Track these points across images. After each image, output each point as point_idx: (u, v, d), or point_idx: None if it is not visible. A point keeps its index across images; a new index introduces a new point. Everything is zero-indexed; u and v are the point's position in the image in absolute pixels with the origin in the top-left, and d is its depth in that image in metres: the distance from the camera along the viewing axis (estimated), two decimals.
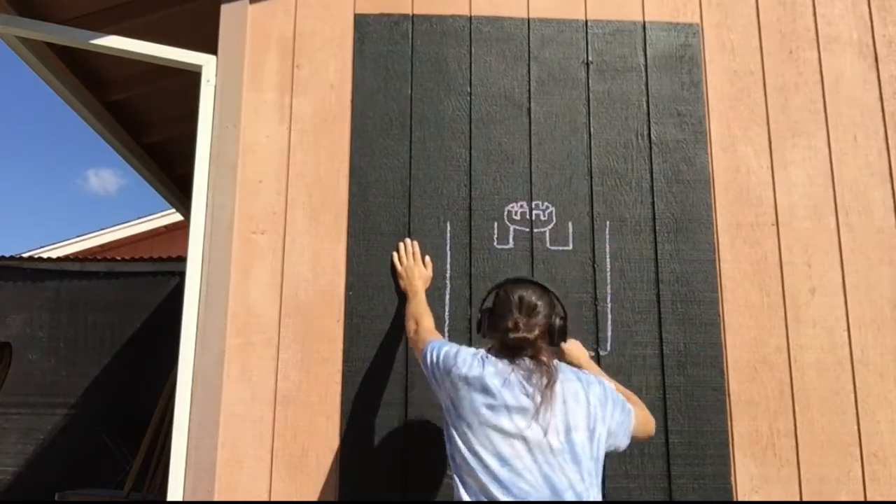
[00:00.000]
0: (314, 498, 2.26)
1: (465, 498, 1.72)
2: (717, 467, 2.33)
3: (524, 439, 1.71)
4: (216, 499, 2.23)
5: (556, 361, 1.83)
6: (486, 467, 1.70)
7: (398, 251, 2.42)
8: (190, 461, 2.26)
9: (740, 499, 2.32)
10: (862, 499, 2.34)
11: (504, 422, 1.73)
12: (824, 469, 2.35)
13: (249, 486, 2.26)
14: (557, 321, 1.95)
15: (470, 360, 1.84)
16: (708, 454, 2.34)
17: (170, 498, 2.25)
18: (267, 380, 2.32)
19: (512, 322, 1.85)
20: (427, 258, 2.41)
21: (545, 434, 1.72)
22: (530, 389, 1.76)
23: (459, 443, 1.76)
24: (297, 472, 2.28)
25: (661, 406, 2.36)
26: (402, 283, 2.37)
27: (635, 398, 2.01)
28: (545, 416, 1.73)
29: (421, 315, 2.20)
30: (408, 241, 2.42)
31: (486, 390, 1.77)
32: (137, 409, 5.61)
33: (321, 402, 2.32)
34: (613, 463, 2.31)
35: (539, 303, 1.90)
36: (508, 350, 1.83)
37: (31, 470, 5.91)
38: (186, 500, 2.24)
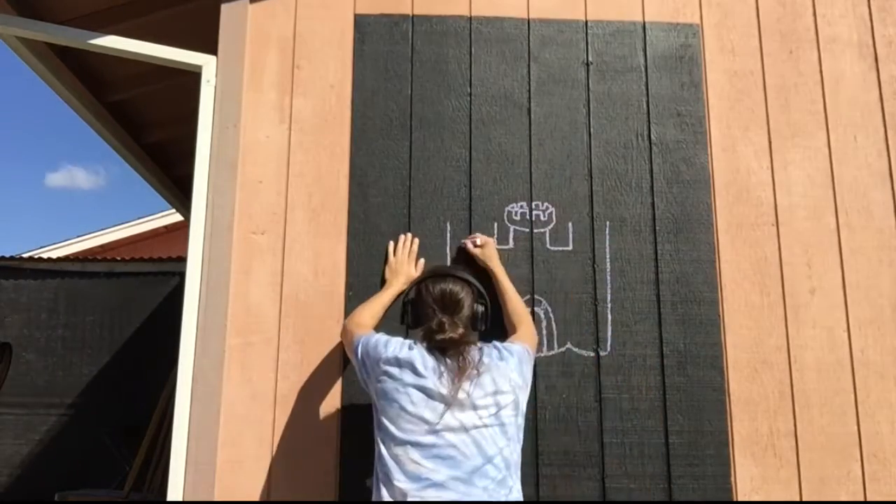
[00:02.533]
0: (314, 498, 2.26)
1: (399, 481, 1.79)
2: (716, 467, 2.33)
3: (454, 415, 1.82)
4: (216, 499, 2.23)
5: (476, 346, 1.95)
6: (416, 442, 1.80)
7: (395, 243, 2.42)
8: (190, 461, 2.26)
9: (740, 499, 2.32)
10: (862, 499, 2.34)
11: (435, 402, 1.83)
12: (824, 469, 2.35)
13: (249, 486, 2.26)
14: (480, 308, 2.06)
15: (401, 345, 1.94)
16: (708, 454, 2.34)
17: (170, 498, 2.25)
18: (267, 380, 2.32)
19: (437, 323, 1.94)
20: (421, 261, 2.41)
21: (473, 405, 1.83)
22: (453, 377, 1.86)
23: (389, 426, 1.84)
24: (297, 472, 2.28)
25: (661, 406, 2.36)
26: (387, 272, 2.38)
27: (522, 311, 2.22)
28: (470, 391, 1.84)
29: (365, 309, 2.21)
30: (408, 236, 2.42)
31: (415, 372, 1.87)
32: (137, 409, 5.61)
33: (321, 403, 2.32)
34: (613, 463, 2.31)
35: (461, 295, 2.01)
36: (436, 349, 1.91)
37: (31, 470, 5.91)
38: (186, 500, 2.24)
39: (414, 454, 1.80)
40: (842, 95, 2.63)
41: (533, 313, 2.39)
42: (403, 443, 1.82)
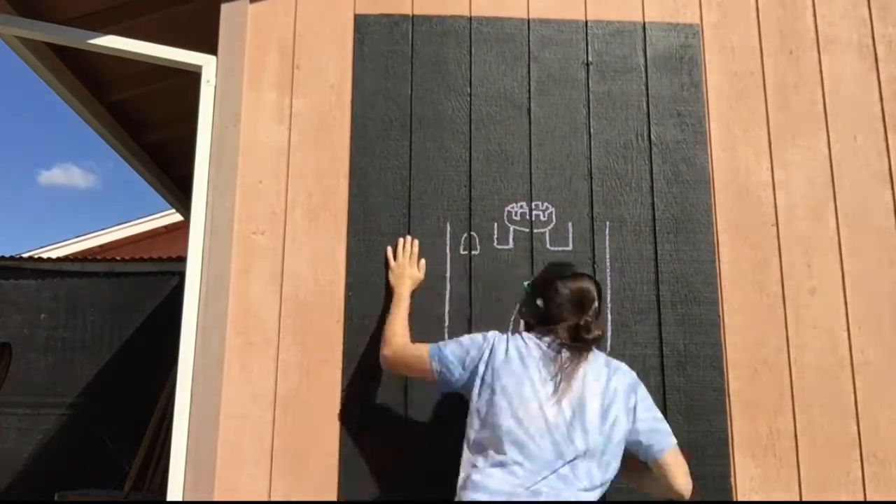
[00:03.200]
0: (314, 498, 2.26)
1: (479, 462, 1.82)
2: (716, 468, 2.33)
3: (540, 405, 1.82)
4: (216, 499, 2.23)
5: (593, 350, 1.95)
6: (499, 427, 1.81)
7: (395, 247, 2.41)
8: (190, 461, 2.26)
9: (740, 499, 2.32)
10: (862, 499, 2.34)
11: (526, 389, 1.84)
12: (824, 470, 2.35)
13: (249, 486, 2.26)
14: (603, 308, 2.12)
15: (507, 341, 1.95)
16: (708, 454, 2.34)
17: (170, 498, 2.25)
18: (267, 380, 2.32)
19: (584, 321, 1.92)
20: (422, 261, 2.41)
21: (559, 402, 1.83)
22: (554, 367, 1.87)
23: (483, 409, 1.86)
24: (297, 472, 2.28)
25: (661, 406, 2.35)
26: (391, 278, 2.37)
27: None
28: (563, 389, 1.84)
29: (397, 323, 2.20)
30: (408, 238, 2.42)
31: (521, 360, 1.89)
32: (137, 409, 5.61)
33: (321, 403, 2.32)
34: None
35: (594, 296, 2.00)
36: (578, 345, 1.91)
37: (31, 469, 5.91)
38: (186, 500, 2.24)
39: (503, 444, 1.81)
40: (842, 95, 2.63)
41: None
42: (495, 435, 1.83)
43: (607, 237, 2.48)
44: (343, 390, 2.33)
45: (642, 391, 1.97)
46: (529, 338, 1.95)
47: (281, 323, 2.36)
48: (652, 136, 2.56)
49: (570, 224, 2.49)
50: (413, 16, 2.61)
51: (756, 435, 2.36)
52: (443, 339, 2.35)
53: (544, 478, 1.77)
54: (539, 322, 2.00)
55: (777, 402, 2.39)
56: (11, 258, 6.62)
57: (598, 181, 2.52)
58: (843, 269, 2.49)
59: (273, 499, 2.25)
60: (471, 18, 2.62)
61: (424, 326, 2.36)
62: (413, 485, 2.28)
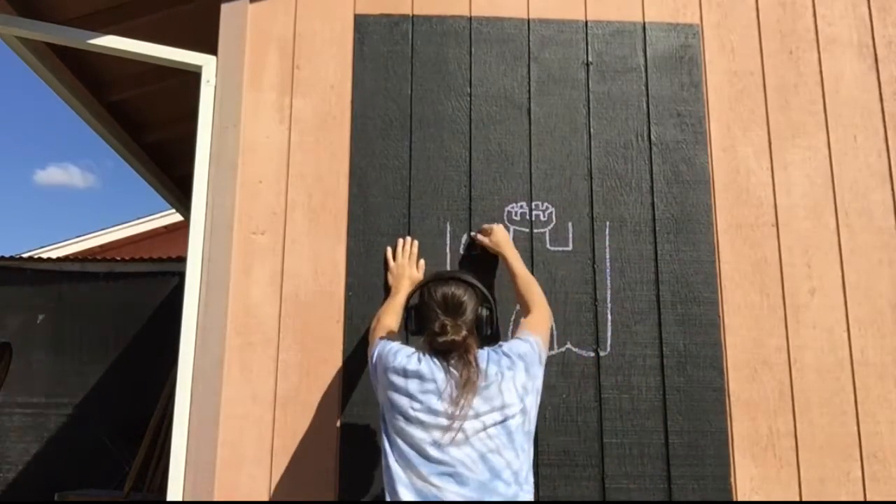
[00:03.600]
0: (314, 498, 2.26)
1: (404, 497, 1.76)
2: (716, 468, 2.33)
3: (461, 428, 1.77)
4: (216, 499, 2.23)
5: (479, 351, 1.88)
6: (424, 456, 1.76)
7: (394, 247, 2.41)
8: (190, 461, 2.26)
9: (740, 499, 2.32)
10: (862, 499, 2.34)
11: (439, 414, 1.79)
12: (824, 470, 2.35)
13: (249, 486, 2.26)
14: (485, 312, 2.00)
15: (408, 356, 1.88)
16: (708, 455, 2.34)
17: (170, 498, 2.25)
18: (267, 380, 2.32)
19: (439, 325, 1.88)
20: (422, 262, 2.40)
21: (478, 417, 1.78)
22: (458, 382, 1.81)
23: (396, 438, 1.81)
24: (297, 473, 2.27)
25: (661, 407, 2.36)
26: (390, 279, 2.37)
27: (534, 292, 2.15)
28: (475, 405, 1.79)
29: (385, 314, 2.17)
30: (408, 239, 2.42)
31: (421, 383, 1.82)
32: (137, 409, 5.61)
33: (321, 403, 2.32)
34: (613, 463, 2.31)
35: (464, 299, 1.96)
36: (438, 352, 1.86)
37: (31, 470, 5.91)
38: (186, 500, 2.24)
39: (422, 469, 1.76)
40: (842, 96, 2.63)
41: None
42: (409, 456, 1.78)
43: (607, 237, 2.48)
44: (343, 390, 2.33)
45: (520, 358, 1.90)
46: (416, 352, 1.91)
47: (281, 323, 2.36)
48: (652, 136, 2.56)
49: (570, 224, 2.49)
50: (413, 16, 2.61)
51: (756, 435, 2.36)
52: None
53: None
54: (413, 333, 2.05)
55: (777, 402, 2.39)
56: (11, 258, 6.61)
57: (598, 181, 2.52)
58: (843, 269, 2.49)
59: (273, 499, 2.25)
60: (471, 18, 2.62)
61: None
62: None
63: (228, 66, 2.52)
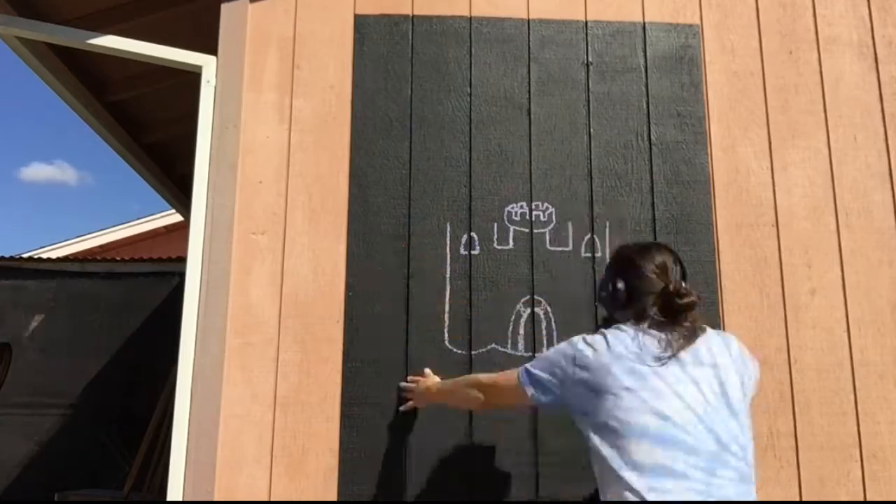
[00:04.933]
0: (314, 498, 2.26)
1: (635, 483, 1.59)
2: None
3: (678, 395, 1.64)
4: (216, 499, 2.23)
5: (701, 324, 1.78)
6: (645, 431, 1.62)
7: (406, 391, 2.32)
8: (190, 461, 2.26)
9: None
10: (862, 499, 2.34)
11: (656, 381, 1.66)
12: (824, 470, 2.35)
13: (249, 487, 2.26)
14: (683, 281, 1.84)
15: (596, 340, 1.75)
16: None
17: (170, 498, 2.25)
18: (267, 380, 2.32)
19: (674, 286, 1.76)
20: (427, 370, 2.32)
21: (699, 387, 1.67)
22: (675, 348, 1.69)
23: (611, 422, 1.65)
24: (297, 473, 2.28)
25: None
26: (417, 402, 2.28)
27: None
28: (696, 372, 1.68)
29: (465, 381, 2.09)
30: (406, 383, 2.33)
31: (637, 356, 1.69)
32: (137, 409, 5.61)
33: (321, 403, 2.32)
34: None
35: (675, 266, 1.84)
36: (670, 316, 1.74)
37: (31, 470, 5.91)
38: (186, 500, 2.24)
39: (644, 444, 1.61)
40: (841, 96, 2.63)
41: (533, 314, 2.39)
42: (630, 435, 1.62)
43: (607, 237, 2.48)
44: (343, 390, 2.33)
45: (751, 362, 1.83)
46: (624, 329, 1.76)
47: (281, 323, 2.36)
48: (652, 137, 2.56)
49: (570, 224, 2.49)
50: (413, 16, 2.61)
51: (756, 435, 2.35)
52: (441, 337, 2.36)
53: (719, 476, 1.60)
54: (623, 307, 1.83)
55: (777, 402, 2.39)
56: (11, 258, 6.61)
57: (598, 181, 2.52)
58: (843, 269, 2.49)
59: (273, 499, 2.25)
60: (471, 19, 2.62)
61: (425, 326, 2.37)
62: (414, 485, 2.28)
63: (228, 67, 2.53)
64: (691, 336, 1.73)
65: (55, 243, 9.46)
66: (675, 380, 1.67)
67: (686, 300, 1.74)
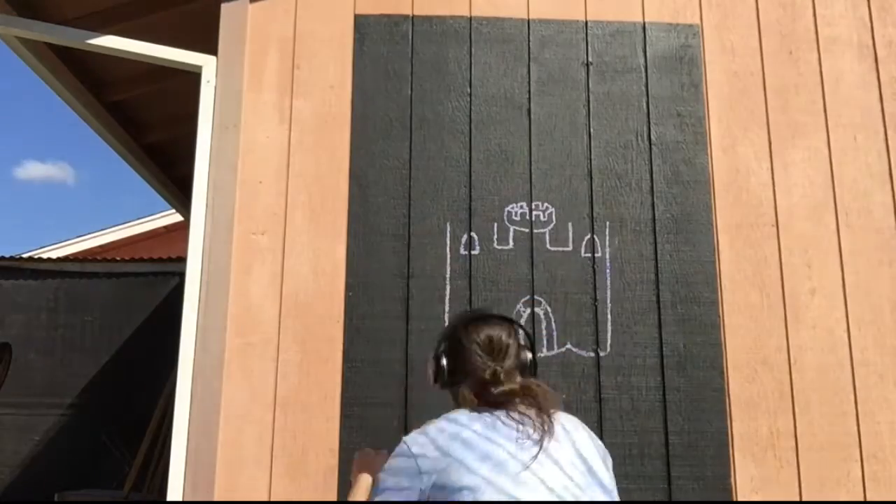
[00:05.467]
0: (314, 498, 2.26)
1: None
2: (716, 468, 2.33)
3: (541, 479, 1.40)
4: (216, 499, 2.23)
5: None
6: None
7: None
8: (190, 461, 2.26)
9: (740, 499, 2.32)
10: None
11: (511, 464, 1.41)
12: (824, 470, 2.35)
13: (249, 487, 2.26)
14: (527, 356, 1.62)
15: (444, 432, 1.47)
16: (708, 455, 2.34)
17: (170, 498, 2.25)
18: (267, 380, 2.32)
19: (490, 373, 1.53)
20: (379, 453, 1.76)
21: (562, 469, 1.43)
22: (528, 431, 1.45)
23: None
24: (297, 473, 2.28)
25: (661, 407, 2.36)
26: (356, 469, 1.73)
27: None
28: (557, 452, 1.45)
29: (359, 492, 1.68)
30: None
31: (486, 443, 1.44)
32: (137, 409, 5.61)
33: (321, 403, 2.32)
34: (613, 463, 2.31)
35: (509, 341, 1.59)
36: (490, 406, 1.50)
37: (31, 470, 5.91)
38: (186, 500, 2.24)
39: None
40: (841, 96, 2.63)
41: (533, 314, 2.40)
42: None
43: (607, 237, 2.48)
44: (343, 390, 2.33)
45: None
46: (466, 413, 1.50)
47: (281, 323, 2.36)
48: (652, 137, 2.56)
49: (570, 224, 2.49)
50: (413, 16, 2.61)
51: (756, 435, 2.36)
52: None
53: None
54: (448, 385, 1.60)
55: (777, 402, 2.39)
56: (11, 258, 6.61)
57: (598, 181, 2.52)
58: (843, 269, 2.49)
59: (273, 499, 2.25)
60: (471, 19, 2.62)
61: (424, 326, 2.37)
62: None
63: (228, 67, 2.53)
64: (538, 417, 1.47)
65: (55, 243, 9.46)
66: (537, 464, 1.41)
67: (500, 389, 1.50)
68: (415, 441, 1.49)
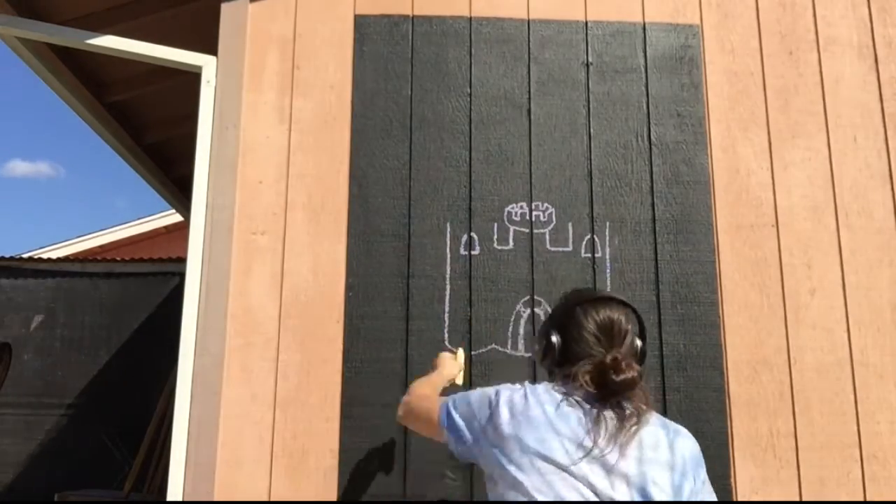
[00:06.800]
0: (314, 498, 2.26)
1: None
2: (716, 468, 2.33)
3: (590, 484, 1.38)
4: (216, 499, 2.23)
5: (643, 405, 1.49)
6: None
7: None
8: (190, 461, 2.26)
9: (740, 499, 2.32)
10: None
11: (567, 462, 1.40)
12: (824, 470, 2.35)
13: (249, 487, 2.26)
14: (639, 344, 1.57)
15: (522, 396, 1.49)
16: (707, 455, 2.31)
17: (169, 498, 2.25)
18: (267, 380, 2.32)
19: (611, 359, 1.46)
20: (461, 352, 2.15)
21: (611, 481, 1.39)
22: (603, 431, 1.42)
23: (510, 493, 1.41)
24: (297, 473, 2.28)
25: (661, 407, 2.36)
26: (445, 365, 1.99)
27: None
28: (615, 461, 1.40)
29: (428, 382, 1.87)
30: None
31: (550, 427, 1.43)
32: (137, 409, 5.61)
33: (321, 403, 2.32)
34: None
35: (627, 326, 1.55)
36: (603, 393, 1.46)
37: (31, 470, 5.91)
38: (186, 500, 2.24)
39: None
40: (841, 96, 2.63)
41: (533, 314, 2.40)
42: None
43: (607, 237, 2.48)
44: (343, 390, 2.33)
45: (703, 469, 1.57)
46: (549, 390, 1.50)
47: (281, 323, 2.36)
48: (652, 137, 2.56)
49: (570, 224, 2.49)
50: (413, 16, 2.61)
51: (756, 435, 2.36)
52: (441, 337, 2.36)
53: None
54: (558, 364, 1.57)
55: (777, 402, 2.39)
56: (11, 258, 6.61)
57: (598, 181, 2.52)
58: (843, 269, 2.49)
59: (273, 499, 2.25)
60: (471, 19, 2.62)
61: (424, 326, 2.37)
62: (413, 485, 2.28)
63: (228, 67, 2.53)
64: (622, 426, 1.44)
65: (55, 243, 9.47)
66: (591, 472, 1.39)
67: (622, 377, 1.44)
68: (507, 392, 1.52)
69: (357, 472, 2.28)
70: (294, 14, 2.59)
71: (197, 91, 2.54)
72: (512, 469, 1.42)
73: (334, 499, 2.26)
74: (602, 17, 2.64)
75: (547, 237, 2.47)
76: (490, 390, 1.55)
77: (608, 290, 2.42)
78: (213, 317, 2.35)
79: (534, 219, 2.48)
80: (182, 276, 2.49)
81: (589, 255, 2.46)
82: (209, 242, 2.40)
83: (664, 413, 2.35)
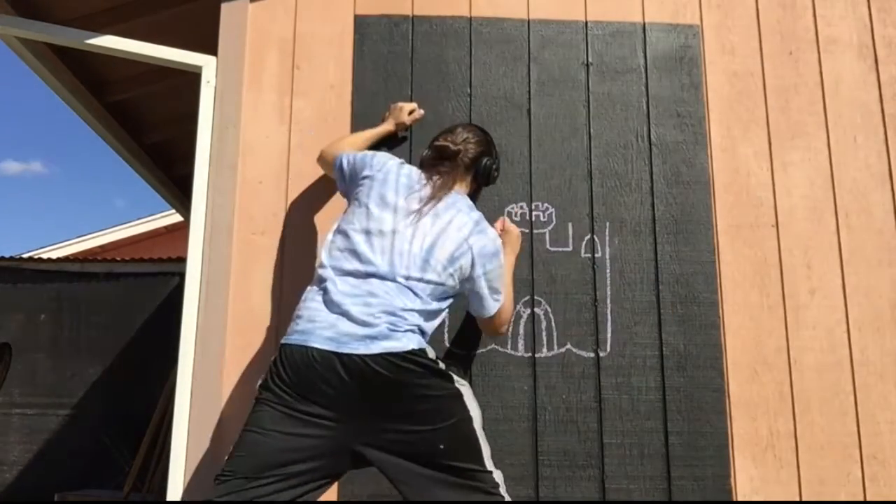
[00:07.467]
0: None
1: (322, 272, 1.90)
2: (716, 469, 2.33)
3: (393, 230, 1.91)
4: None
5: (461, 195, 2.07)
6: (348, 237, 1.93)
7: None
8: (190, 461, 2.26)
9: (740, 499, 2.32)
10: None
11: (386, 212, 1.95)
12: (824, 471, 2.35)
13: None
14: (486, 161, 2.17)
15: (390, 157, 2.11)
16: (707, 455, 2.34)
17: (169, 498, 2.25)
18: None
19: (443, 137, 2.14)
20: (416, 108, 2.46)
21: (412, 233, 1.91)
22: (422, 193, 1.98)
23: (339, 223, 1.99)
24: None
25: (661, 407, 2.36)
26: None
27: (509, 291, 2.13)
28: (422, 221, 1.93)
29: (350, 137, 2.35)
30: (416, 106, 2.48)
31: (388, 179, 2.01)
32: (137, 410, 5.61)
33: None
34: (613, 463, 2.31)
35: (469, 135, 2.16)
36: (431, 157, 2.11)
37: (31, 470, 5.91)
38: (186, 500, 2.24)
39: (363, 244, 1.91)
40: (841, 96, 2.63)
41: (533, 314, 2.40)
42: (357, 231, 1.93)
43: (607, 237, 2.48)
44: None
45: (496, 262, 2.01)
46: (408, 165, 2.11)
47: (281, 323, 2.36)
48: (652, 137, 2.56)
49: (570, 224, 2.49)
50: (413, 16, 2.61)
51: (756, 435, 2.36)
52: (441, 337, 2.36)
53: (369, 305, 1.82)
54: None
55: (777, 402, 2.39)
56: (11, 258, 6.61)
57: (597, 182, 2.52)
58: (843, 270, 2.49)
59: None
60: (471, 19, 2.62)
61: None
62: None
63: (228, 67, 2.52)
64: (440, 185, 2.01)
65: (55, 243, 9.46)
66: (402, 216, 1.94)
67: (437, 143, 2.13)
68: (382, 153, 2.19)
69: (357, 472, 2.27)
70: (294, 14, 2.59)
71: (197, 91, 2.54)
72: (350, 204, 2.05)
73: (334, 499, 2.26)
74: (602, 17, 2.64)
75: (547, 237, 2.47)
76: (373, 153, 2.20)
77: (609, 290, 2.42)
78: (213, 317, 2.35)
79: (534, 219, 2.48)
80: (182, 276, 2.49)
81: (589, 255, 2.46)
82: (209, 242, 2.40)
83: (664, 413, 2.36)
